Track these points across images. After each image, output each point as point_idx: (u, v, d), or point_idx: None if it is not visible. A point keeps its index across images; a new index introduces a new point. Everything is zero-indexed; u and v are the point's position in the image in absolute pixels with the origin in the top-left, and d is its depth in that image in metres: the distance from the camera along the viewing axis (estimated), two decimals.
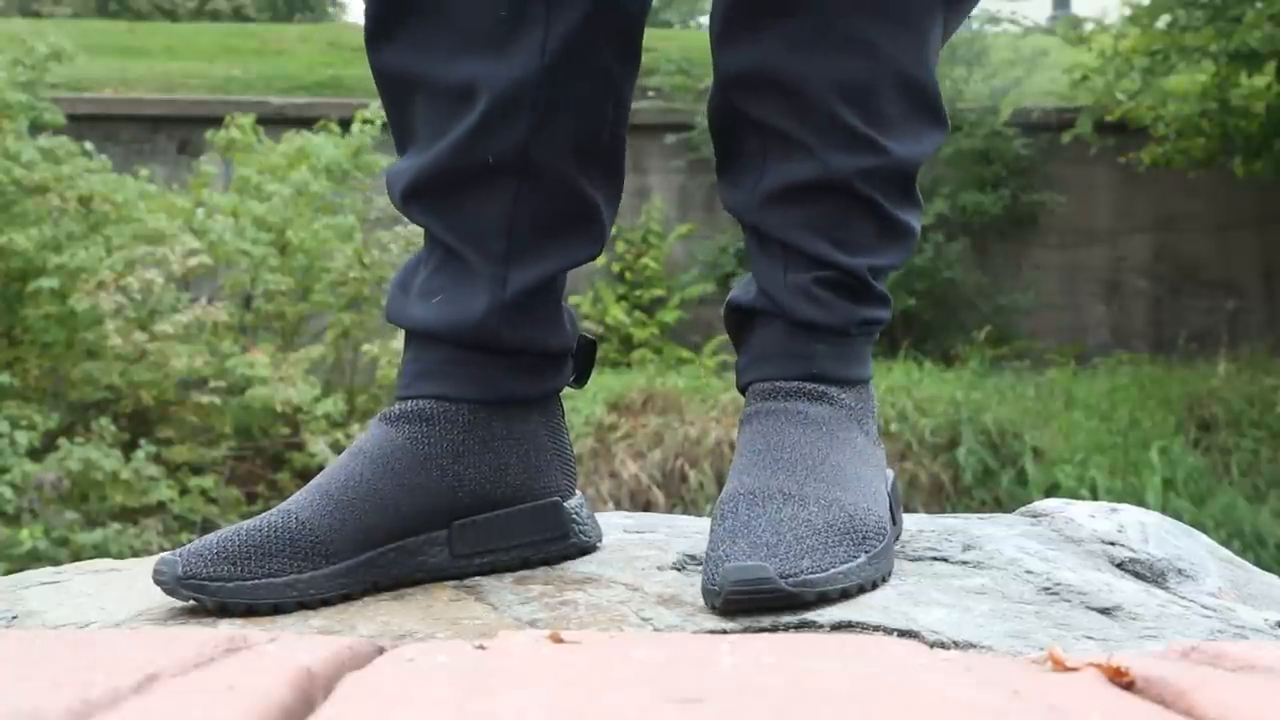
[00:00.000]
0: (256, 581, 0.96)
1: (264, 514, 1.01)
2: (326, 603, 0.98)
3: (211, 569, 0.95)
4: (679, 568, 1.04)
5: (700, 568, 0.99)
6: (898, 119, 1.06)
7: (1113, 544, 1.08)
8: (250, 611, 0.96)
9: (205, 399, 5.79)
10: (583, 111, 1.04)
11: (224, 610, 0.96)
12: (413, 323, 1.07)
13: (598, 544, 1.11)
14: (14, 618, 0.99)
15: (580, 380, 1.14)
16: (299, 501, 1.01)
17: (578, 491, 1.12)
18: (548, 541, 1.07)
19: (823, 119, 1.04)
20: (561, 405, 1.12)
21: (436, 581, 1.04)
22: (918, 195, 1.11)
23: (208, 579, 0.95)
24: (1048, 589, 0.97)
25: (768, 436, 1.03)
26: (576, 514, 1.09)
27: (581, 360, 1.13)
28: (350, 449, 1.06)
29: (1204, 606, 0.97)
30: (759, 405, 1.07)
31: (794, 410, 1.05)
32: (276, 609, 0.96)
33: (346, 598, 1.00)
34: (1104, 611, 0.94)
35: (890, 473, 1.10)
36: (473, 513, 1.05)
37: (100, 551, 4.95)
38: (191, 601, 0.96)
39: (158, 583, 0.96)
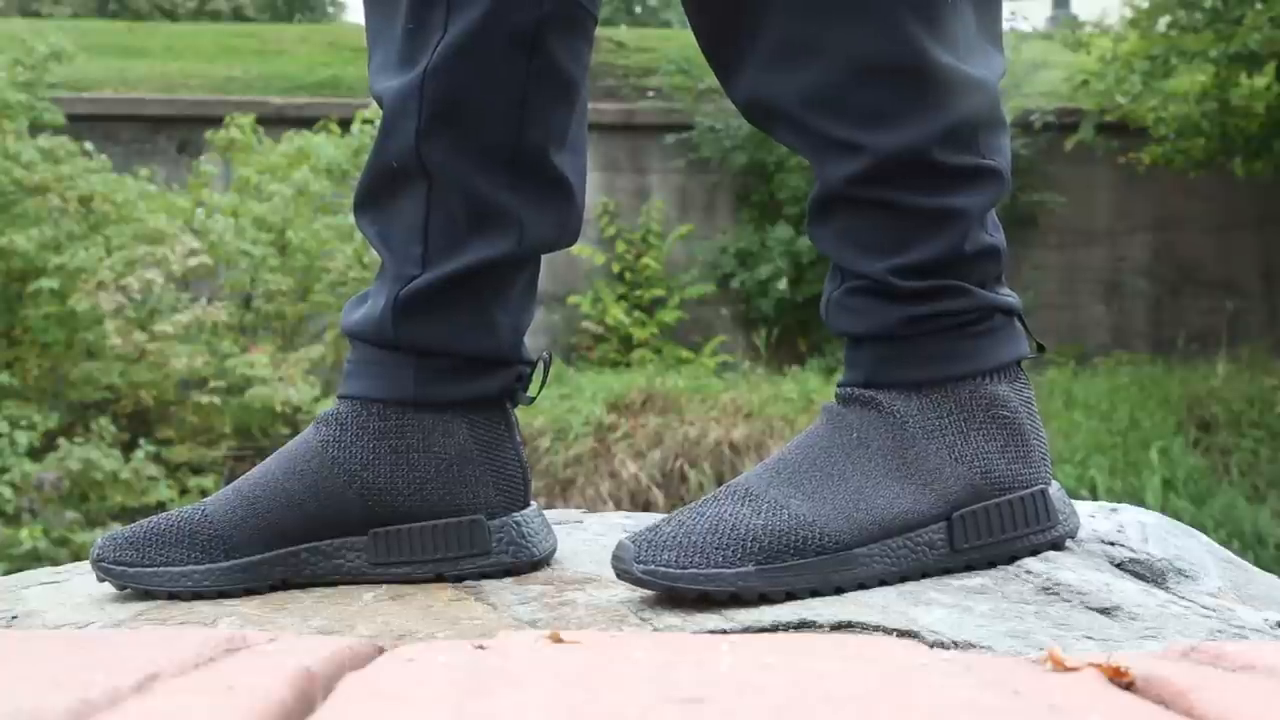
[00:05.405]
0: (155, 569, 1.02)
1: (182, 507, 1.08)
2: (225, 595, 1.02)
3: (118, 553, 1.02)
4: None
5: None
6: (873, 111, 1.00)
7: (1112, 544, 1.08)
8: (149, 595, 1.02)
9: (205, 399, 5.80)
10: (478, 114, 1.04)
11: (125, 591, 1.03)
12: (343, 327, 1.11)
13: (540, 559, 1.07)
14: (14, 618, 0.99)
15: (522, 397, 1.11)
16: (216, 497, 1.07)
17: (533, 503, 1.10)
18: (465, 558, 1.06)
19: (804, 133, 1.03)
20: (507, 416, 1.10)
21: (355, 584, 1.05)
22: (956, 169, 1.01)
23: (113, 562, 1.02)
24: (1047, 589, 0.97)
25: (797, 437, 1.04)
26: (504, 532, 1.06)
27: (531, 375, 1.11)
28: (281, 448, 1.09)
29: (1204, 606, 0.97)
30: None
31: (832, 414, 1.04)
32: (172, 596, 1.02)
33: (250, 592, 1.03)
34: (1104, 611, 0.94)
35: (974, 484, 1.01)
36: (387, 522, 1.06)
37: None
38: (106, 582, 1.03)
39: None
